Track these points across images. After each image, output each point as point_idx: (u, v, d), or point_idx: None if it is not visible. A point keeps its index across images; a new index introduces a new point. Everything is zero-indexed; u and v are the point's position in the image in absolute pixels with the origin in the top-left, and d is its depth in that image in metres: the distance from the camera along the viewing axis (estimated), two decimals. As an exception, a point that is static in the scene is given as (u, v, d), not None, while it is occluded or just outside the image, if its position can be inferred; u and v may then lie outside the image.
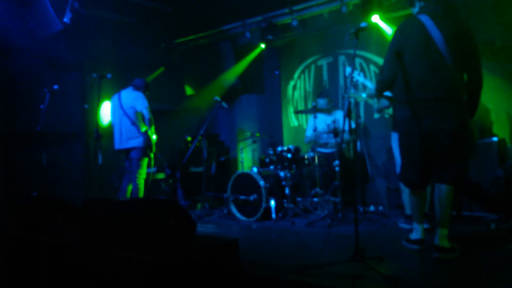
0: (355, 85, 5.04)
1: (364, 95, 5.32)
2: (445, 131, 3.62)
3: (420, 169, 3.79)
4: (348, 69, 4.97)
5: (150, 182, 6.90)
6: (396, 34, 3.81)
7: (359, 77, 4.90)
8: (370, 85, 4.52)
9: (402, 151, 3.93)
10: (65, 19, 6.13)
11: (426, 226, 4.80)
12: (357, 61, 7.24)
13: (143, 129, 6.03)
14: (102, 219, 3.30)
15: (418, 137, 3.69)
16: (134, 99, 6.09)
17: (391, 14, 6.61)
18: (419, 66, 3.69)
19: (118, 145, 6.17)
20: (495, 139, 5.02)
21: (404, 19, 3.90)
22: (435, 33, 3.63)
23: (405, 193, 5.02)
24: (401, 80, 3.78)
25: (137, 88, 6.23)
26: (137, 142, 6.03)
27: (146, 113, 6.08)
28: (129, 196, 6.11)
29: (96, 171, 5.90)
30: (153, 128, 6.16)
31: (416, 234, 3.96)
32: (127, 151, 6.12)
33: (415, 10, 3.92)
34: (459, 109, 3.63)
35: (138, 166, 6.06)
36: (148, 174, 6.31)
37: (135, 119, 6.05)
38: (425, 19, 3.70)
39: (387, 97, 4.55)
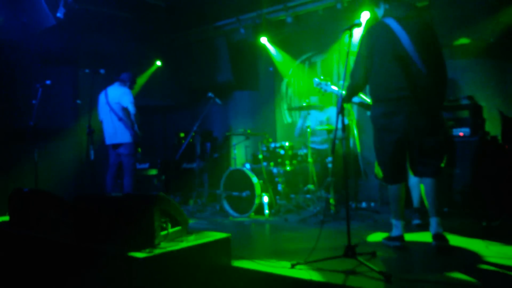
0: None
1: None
2: (418, 127, 3.76)
3: (394, 165, 3.92)
4: (316, 81, 5.14)
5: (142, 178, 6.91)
6: (365, 38, 3.95)
7: (327, 87, 5.08)
8: (339, 94, 4.56)
9: (376, 148, 4.05)
10: (59, 14, 6.11)
11: (417, 221, 4.84)
12: (351, 58, 7.22)
13: (130, 124, 6.02)
14: (94, 214, 3.29)
15: (391, 133, 3.84)
16: (120, 94, 6.10)
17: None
18: (388, 67, 3.83)
19: (108, 140, 6.20)
20: (487, 136, 5.05)
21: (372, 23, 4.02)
22: (401, 34, 3.79)
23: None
24: (372, 81, 3.95)
25: (123, 83, 6.22)
26: (125, 137, 6.04)
27: (131, 108, 6.07)
28: (123, 191, 6.11)
29: (88, 166, 5.88)
30: (138, 123, 6.14)
31: (396, 231, 4.00)
32: (116, 146, 6.15)
33: (379, 11, 4.07)
34: (430, 104, 3.77)
35: (130, 161, 6.08)
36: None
37: (122, 115, 6.05)
38: (390, 22, 3.86)
39: (357, 103, 4.62)
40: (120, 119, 6.03)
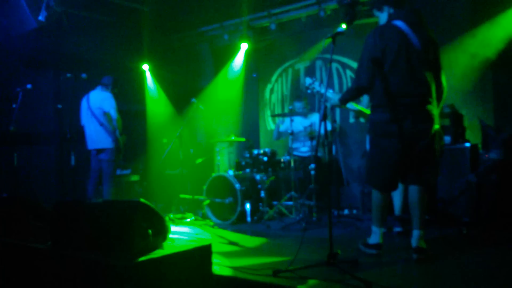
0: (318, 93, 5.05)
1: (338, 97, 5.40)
2: (424, 134, 3.70)
3: (395, 172, 3.83)
4: (308, 80, 5.02)
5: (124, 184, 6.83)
6: (375, 40, 3.73)
7: (319, 88, 4.93)
8: (332, 95, 4.47)
9: (375, 154, 3.90)
10: (40, 17, 6.05)
11: (398, 229, 4.86)
12: (334, 65, 7.29)
13: (111, 129, 5.97)
14: (74, 221, 3.24)
15: (397, 139, 3.70)
16: (102, 99, 6.05)
17: (364, 20, 6.70)
18: (400, 71, 3.69)
19: (90, 145, 6.15)
20: (467, 144, 5.10)
21: (375, 26, 3.91)
22: (413, 39, 3.68)
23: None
24: (379, 85, 3.76)
25: (105, 87, 6.17)
26: (106, 143, 6.00)
27: (113, 113, 6.04)
28: (102, 197, 6.05)
29: (68, 172, 5.80)
30: (120, 128, 6.11)
31: (374, 238, 3.97)
32: (97, 151, 6.10)
33: (382, 15, 3.91)
34: (434, 113, 3.73)
35: (110, 167, 6.05)
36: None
37: (103, 120, 5.99)
38: (401, 25, 3.71)
39: (352, 109, 4.62)
40: (101, 124, 5.98)
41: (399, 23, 3.73)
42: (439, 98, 3.86)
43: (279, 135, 7.00)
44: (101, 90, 6.14)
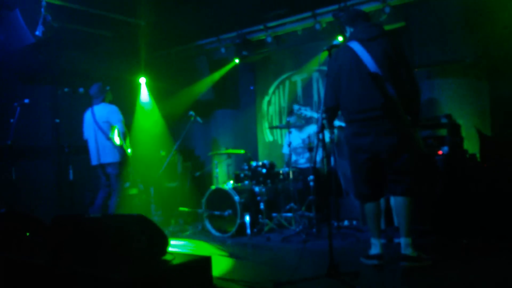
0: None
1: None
2: (387, 147, 3.81)
3: (369, 184, 3.98)
4: (296, 106, 5.33)
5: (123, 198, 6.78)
6: (331, 63, 4.07)
7: (307, 112, 5.20)
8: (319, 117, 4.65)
9: (351, 166, 4.13)
10: (37, 32, 6.06)
11: (383, 241, 4.85)
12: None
13: (119, 143, 5.94)
14: (73, 236, 3.22)
15: (362, 153, 3.92)
16: (108, 112, 5.99)
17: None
18: (354, 89, 3.92)
19: (94, 160, 6.03)
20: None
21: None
22: (364, 56, 3.86)
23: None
24: (342, 103, 4.04)
25: (103, 99, 6.08)
26: (114, 157, 5.93)
27: (120, 127, 5.99)
28: (109, 211, 5.98)
29: (67, 187, 5.77)
30: (128, 141, 6.08)
31: (374, 249, 4.00)
32: (104, 166, 6.00)
33: (347, 35, 4.17)
34: (398, 123, 3.80)
35: (118, 181, 5.99)
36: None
37: (110, 134, 5.95)
38: (354, 45, 3.94)
39: (338, 127, 4.71)
40: (108, 138, 5.91)
41: (352, 43, 3.96)
42: (410, 100, 3.86)
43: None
44: (106, 103, 6.08)
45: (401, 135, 3.79)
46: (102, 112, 6.02)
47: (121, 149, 5.97)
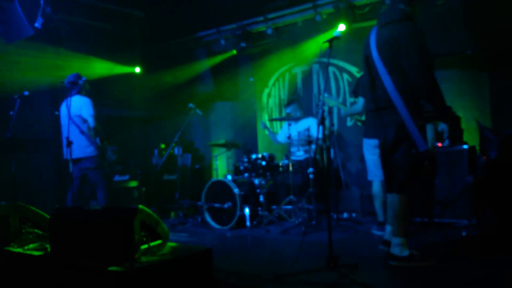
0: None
1: (334, 100, 5.50)
2: (386, 139, 3.72)
3: (382, 170, 3.95)
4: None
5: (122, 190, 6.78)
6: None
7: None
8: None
9: None
10: (37, 24, 6.03)
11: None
12: (330, 69, 7.31)
13: (92, 137, 5.78)
14: (73, 228, 3.23)
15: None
16: (81, 106, 5.75)
17: (362, 23, 6.72)
18: (366, 78, 3.87)
19: (67, 154, 5.68)
20: (465, 146, 5.12)
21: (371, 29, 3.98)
22: (372, 43, 3.73)
23: (378, 200, 5.09)
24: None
25: (80, 91, 5.86)
26: (88, 151, 5.75)
27: (91, 121, 5.75)
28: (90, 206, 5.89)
29: (67, 179, 5.75)
30: (101, 135, 5.90)
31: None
32: (78, 160, 5.77)
33: None
34: (396, 116, 3.58)
35: (98, 175, 5.82)
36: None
37: (84, 128, 5.76)
38: (373, 31, 3.81)
39: (358, 119, 4.73)
40: (82, 132, 5.73)
41: (373, 29, 3.83)
42: (418, 91, 3.56)
43: (278, 140, 7.08)
44: (80, 95, 5.85)
45: (397, 130, 3.59)
46: (75, 104, 5.76)
47: (95, 144, 5.78)
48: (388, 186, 3.85)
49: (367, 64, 3.83)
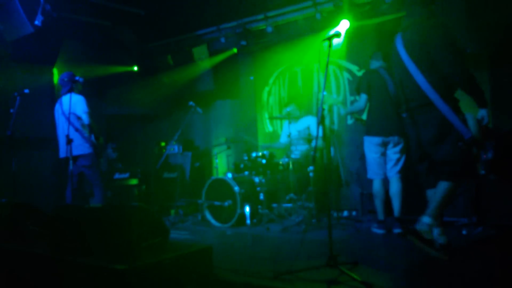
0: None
1: (334, 98, 5.48)
2: (423, 136, 3.82)
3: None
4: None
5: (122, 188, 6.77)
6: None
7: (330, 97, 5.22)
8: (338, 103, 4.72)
9: None
10: (37, 22, 6.02)
11: (398, 230, 4.87)
12: (331, 68, 7.30)
13: (87, 134, 5.76)
14: (73, 226, 3.23)
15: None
16: (74, 103, 5.68)
17: (364, 21, 6.71)
18: (398, 79, 4.01)
19: (63, 153, 5.78)
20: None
21: (372, 28, 4.10)
22: (400, 48, 3.88)
23: (378, 199, 5.09)
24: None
25: (75, 88, 5.82)
26: (84, 149, 5.72)
27: (85, 118, 5.72)
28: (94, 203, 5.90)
29: (67, 177, 5.75)
30: (96, 132, 5.86)
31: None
32: (74, 159, 5.70)
33: None
34: (435, 112, 3.68)
35: (95, 173, 5.82)
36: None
37: (78, 125, 5.73)
38: (397, 36, 3.97)
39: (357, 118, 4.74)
40: (76, 129, 5.69)
41: (397, 35, 3.98)
42: (457, 85, 3.80)
43: (282, 143, 7.10)
44: (74, 93, 5.79)
45: (439, 124, 3.70)
46: (68, 102, 5.65)
47: (89, 141, 5.77)
48: (427, 180, 3.92)
49: (395, 67, 4.02)
